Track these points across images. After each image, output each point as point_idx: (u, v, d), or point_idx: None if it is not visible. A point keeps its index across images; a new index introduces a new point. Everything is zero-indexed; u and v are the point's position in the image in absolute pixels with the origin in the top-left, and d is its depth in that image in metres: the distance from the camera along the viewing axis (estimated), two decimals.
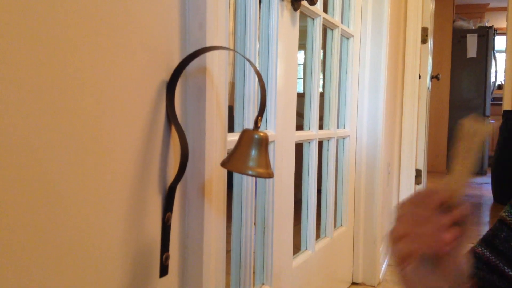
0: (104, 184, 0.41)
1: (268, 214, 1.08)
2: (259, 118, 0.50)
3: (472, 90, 5.86)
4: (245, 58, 0.51)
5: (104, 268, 0.42)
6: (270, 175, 0.49)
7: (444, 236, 0.49)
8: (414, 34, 2.43)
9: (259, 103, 0.52)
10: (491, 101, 5.98)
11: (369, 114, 1.78)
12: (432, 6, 3.05)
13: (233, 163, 0.49)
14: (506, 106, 2.65)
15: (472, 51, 5.78)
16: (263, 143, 0.49)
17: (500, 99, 5.08)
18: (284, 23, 1.08)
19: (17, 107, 0.32)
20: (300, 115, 1.25)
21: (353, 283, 1.78)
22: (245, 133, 0.50)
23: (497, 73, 6.06)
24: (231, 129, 0.99)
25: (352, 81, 1.72)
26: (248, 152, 0.49)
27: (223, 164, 0.51)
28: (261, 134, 0.49)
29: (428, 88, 3.04)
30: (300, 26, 1.18)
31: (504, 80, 2.89)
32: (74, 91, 0.37)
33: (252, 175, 0.48)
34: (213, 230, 0.61)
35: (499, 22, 6.84)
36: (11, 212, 0.32)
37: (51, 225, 0.36)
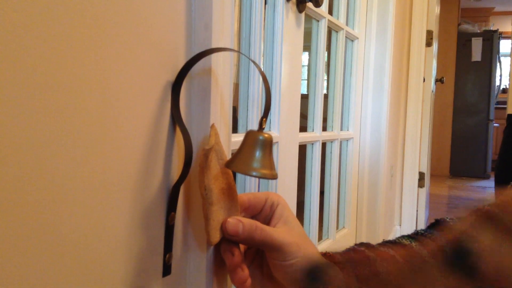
0: (108, 183, 0.42)
1: None
2: (264, 119, 0.50)
3: (476, 94, 5.84)
4: (250, 59, 0.51)
5: (107, 268, 0.42)
6: (274, 177, 0.49)
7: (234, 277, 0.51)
8: (419, 37, 2.43)
9: (263, 104, 0.52)
10: (495, 105, 5.96)
11: (372, 116, 1.78)
12: (437, 10, 3.04)
13: (237, 164, 0.49)
14: (510, 110, 2.64)
15: (477, 55, 5.76)
16: (268, 145, 0.49)
17: (505, 103, 5.05)
18: (289, 24, 1.08)
19: (21, 106, 0.33)
20: (303, 116, 1.25)
21: None
22: (249, 134, 0.50)
23: (502, 77, 6.03)
24: (235, 130, 0.99)
25: (356, 83, 1.71)
26: (253, 153, 0.49)
27: (227, 164, 0.51)
28: (266, 135, 0.49)
29: (432, 91, 3.03)
30: (305, 28, 1.18)
31: (508, 84, 2.89)
32: (80, 89, 0.38)
33: (256, 176, 0.48)
34: None
35: (504, 26, 6.82)
36: (14, 210, 0.32)
37: (54, 224, 0.36)
